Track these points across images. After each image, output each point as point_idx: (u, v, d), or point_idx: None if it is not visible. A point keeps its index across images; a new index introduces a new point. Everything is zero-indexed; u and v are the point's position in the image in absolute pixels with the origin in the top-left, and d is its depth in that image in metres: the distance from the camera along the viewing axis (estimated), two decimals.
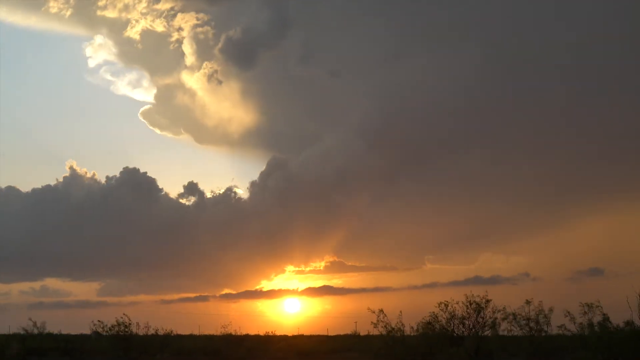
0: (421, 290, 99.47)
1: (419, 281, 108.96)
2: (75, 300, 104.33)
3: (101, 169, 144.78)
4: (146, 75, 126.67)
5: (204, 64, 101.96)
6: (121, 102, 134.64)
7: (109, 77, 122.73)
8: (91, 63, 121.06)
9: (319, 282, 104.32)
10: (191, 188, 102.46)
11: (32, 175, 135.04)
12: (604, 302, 31.44)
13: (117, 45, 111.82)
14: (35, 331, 47.16)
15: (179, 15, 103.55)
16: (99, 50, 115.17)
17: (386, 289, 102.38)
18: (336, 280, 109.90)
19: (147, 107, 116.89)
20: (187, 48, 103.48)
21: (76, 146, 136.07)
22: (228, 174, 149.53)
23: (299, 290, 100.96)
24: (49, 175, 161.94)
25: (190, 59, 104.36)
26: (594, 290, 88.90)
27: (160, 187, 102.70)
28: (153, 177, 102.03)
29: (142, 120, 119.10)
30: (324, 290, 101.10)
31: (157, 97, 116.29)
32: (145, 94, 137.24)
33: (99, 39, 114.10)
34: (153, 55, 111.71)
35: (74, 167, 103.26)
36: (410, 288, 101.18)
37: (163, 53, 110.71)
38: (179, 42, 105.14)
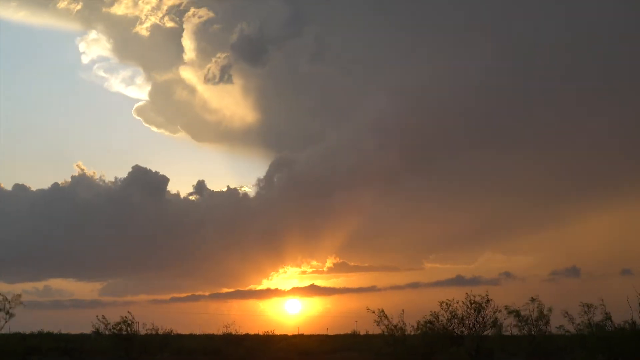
0: (404, 291, 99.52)
1: (402, 281, 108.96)
2: (76, 300, 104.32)
3: (98, 167, 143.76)
4: (141, 72, 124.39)
5: (217, 55, 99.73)
6: (116, 100, 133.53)
7: (102, 73, 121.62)
8: (85, 59, 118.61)
9: (307, 282, 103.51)
10: (198, 187, 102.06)
11: (32, 175, 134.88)
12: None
13: (112, 41, 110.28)
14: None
15: (181, 10, 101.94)
16: (93, 46, 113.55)
17: (370, 288, 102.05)
18: (334, 280, 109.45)
19: (141, 104, 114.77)
20: (188, 43, 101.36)
21: (74, 145, 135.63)
22: (229, 173, 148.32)
23: (286, 290, 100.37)
24: (48, 176, 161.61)
25: (190, 54, 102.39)
26: (575, 291, 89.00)
27: (165, 186, 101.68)
28: (163, 176, 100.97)
29: (137, 117, 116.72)
30: (310, 290, 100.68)
31: (153, 94, 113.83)
32: (139, 91, 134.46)
33: (92, 34, 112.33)
34: (149, 50, 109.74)
35: (81, 166, 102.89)
36: (393, 288, 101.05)
37: (160, 48, 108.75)
38: (179, 37, 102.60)
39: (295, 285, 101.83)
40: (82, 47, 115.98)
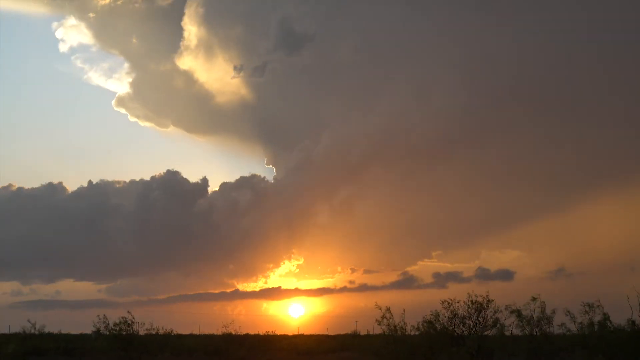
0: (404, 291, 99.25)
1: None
2: (77, 300, 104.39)
3: (92, 166, 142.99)
4: (128, 62, 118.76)
5: (241, 45, 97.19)
6: (98, 92, 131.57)
7: (79, 64, 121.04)
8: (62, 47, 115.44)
9: (308, 282, 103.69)
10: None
11: None
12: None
13: (92, 27, 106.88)
14: (33, 331, 47.00)
15: None
16: (71, 32, 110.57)
17: (329, 290, 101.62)
18: (332, 280, 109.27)
19: (130, 96, 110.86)
20: (190, 28, 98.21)
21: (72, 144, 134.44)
22: (230, 171, 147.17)
23: (287, 290, 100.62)
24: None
25: (192, 41, 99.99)
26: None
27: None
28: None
29: (122, 111, 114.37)
30: (310, 291, 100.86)
31: (140, 85, 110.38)
32: (119, 84, 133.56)
33: (71, 20, 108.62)
34: (140, 38, 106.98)
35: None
36: (394, 288, 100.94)
37: (152, 34, 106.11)
38: (177, 21, 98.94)
39: (296, 286, 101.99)
40: (59, 33, 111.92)
